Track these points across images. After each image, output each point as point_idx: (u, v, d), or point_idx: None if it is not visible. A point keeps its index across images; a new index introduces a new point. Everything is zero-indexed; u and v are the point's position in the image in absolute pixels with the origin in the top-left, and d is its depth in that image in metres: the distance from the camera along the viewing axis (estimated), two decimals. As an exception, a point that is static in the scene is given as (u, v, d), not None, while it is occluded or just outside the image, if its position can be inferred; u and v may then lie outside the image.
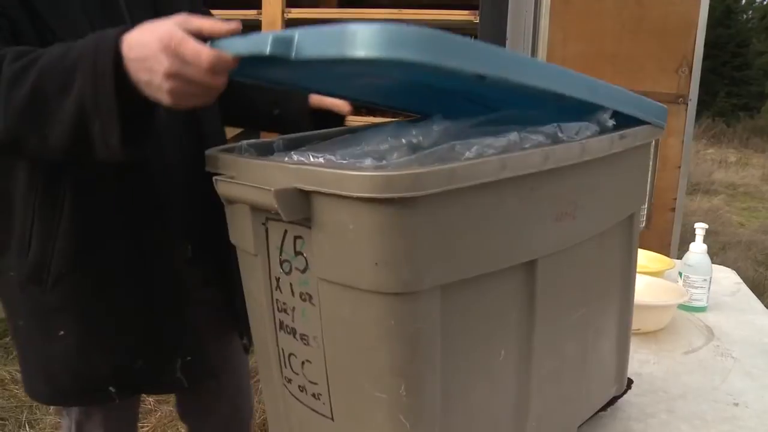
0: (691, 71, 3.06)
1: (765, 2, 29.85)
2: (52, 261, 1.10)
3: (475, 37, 2.81)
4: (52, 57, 0.88)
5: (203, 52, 0.79)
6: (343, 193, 0.66)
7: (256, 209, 0.84)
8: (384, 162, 0.70)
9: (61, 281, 1.11)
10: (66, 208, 1.08)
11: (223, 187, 0.86)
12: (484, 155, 0.70)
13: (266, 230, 0.84)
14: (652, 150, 1.75)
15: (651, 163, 2.48)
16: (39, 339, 1.17)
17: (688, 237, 1.80)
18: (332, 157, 0.74)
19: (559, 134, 0.78)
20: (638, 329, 1.44)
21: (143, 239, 1.14)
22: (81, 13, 1.05)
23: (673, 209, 3.12)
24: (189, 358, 1.21)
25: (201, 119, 1.20)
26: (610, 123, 0.86)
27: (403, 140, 0.78)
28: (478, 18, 2.82)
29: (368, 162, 0.69)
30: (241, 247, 0.93)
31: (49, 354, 1.16)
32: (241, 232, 0.90)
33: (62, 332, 1.14)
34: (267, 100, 1.39)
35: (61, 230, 1.09)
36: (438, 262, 0.69)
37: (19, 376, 3.12)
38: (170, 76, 0.80)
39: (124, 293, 1.14)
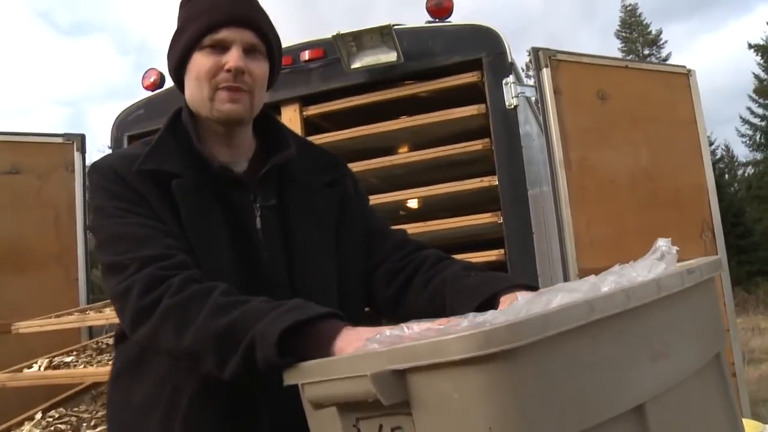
0: (714, 234, 3.12)
1: (747, 174, 31.27)
2: None
3: (502, 240, 2.92)
4: (258, 306, 1.03)
5: None
6: (443, 360, 0.66)
7: (345, 411, 0.83)
8: (478, 320, 0.70)
9: None
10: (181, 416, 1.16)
11: (310, 391, 0.86)
12: (571, 301, 0.71)
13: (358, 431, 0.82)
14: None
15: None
16: None
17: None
18: (429, 324, 0.75)
19: (633, 273, 0.80)
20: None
21: None
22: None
23: (734, 374, 3.02)
24: None
25: None
26: (673, 250, 0.88)
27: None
28: (501, 219, 2.93)
29: (464, 323, 0.69)
30: (333, 456, 0.90)
31: None
32: (332, 439, 0.87)
33: None
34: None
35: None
36: (549, 415, 0.68)
37: None
38: None
39: None
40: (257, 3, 1.34)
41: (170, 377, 1.17)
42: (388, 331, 0.78)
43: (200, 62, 1.26)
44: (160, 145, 1.26)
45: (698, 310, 0.96)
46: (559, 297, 0.71)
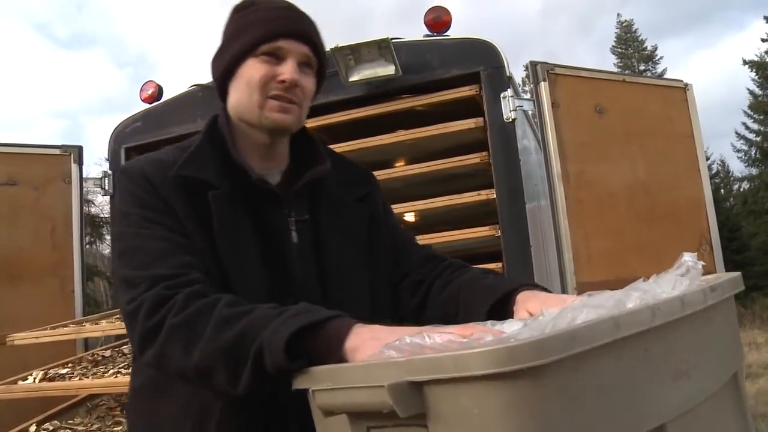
0: (712, 248, 3.12)
1: (742, 189, 31.47)
2: None
3: (500, 253, 2.91)
4: (264, 313, 1.00)
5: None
6: (464, 374, 0.65)
7: (356, 419, 0.81)
8: (503, 334, 0.70)
9: None
10: None
11: (322, 398, 0.84)
12: (597, 318, 0.70)
13: (369, 441, 0.81)
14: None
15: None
16: None
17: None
18: (450, 336, 0.73)
19: (657, 289, 0.79)
20: None
21: None
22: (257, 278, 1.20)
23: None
24: None
25: None
26: (699, 265, 0.88)
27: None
28: (499, 232, 2.93)
29: (489, 337, 0.69)
30: (341, 465, 0.88)
31: None
32: (340, 448, 0.86)
33: None
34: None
35: None
36: (572, 435, 0.66)
37: None
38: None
39: None
40: (312, 20, 1.33)
41: (198, 392, 1.15)
42: (408, 338, 0.76)
43: (254, 68, 1.26)
44: (199, 153, 1.25)
45: (719, 329, 0.95)
46: (584, 313, 0.71)
